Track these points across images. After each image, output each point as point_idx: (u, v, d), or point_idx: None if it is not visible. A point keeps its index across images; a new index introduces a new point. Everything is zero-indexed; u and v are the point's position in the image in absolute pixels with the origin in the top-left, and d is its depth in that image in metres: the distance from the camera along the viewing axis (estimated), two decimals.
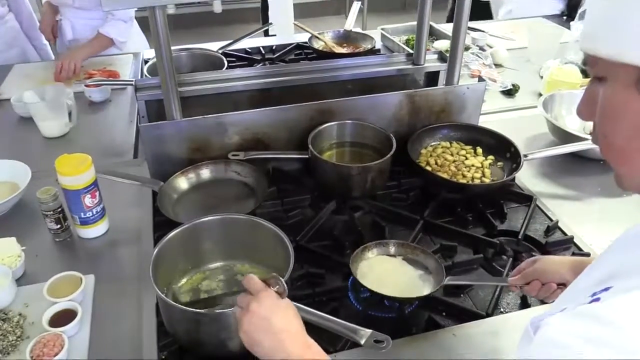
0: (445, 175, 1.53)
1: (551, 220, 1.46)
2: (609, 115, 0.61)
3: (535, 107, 1.89)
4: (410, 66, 1.84)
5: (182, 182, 1.50)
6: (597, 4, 0.60)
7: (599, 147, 0.66)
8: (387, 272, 1.22)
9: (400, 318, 1.16)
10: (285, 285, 0.87)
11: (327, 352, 0.86)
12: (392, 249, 1.28)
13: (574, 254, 1.34)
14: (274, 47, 2.52)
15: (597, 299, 0.56)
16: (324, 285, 1.25)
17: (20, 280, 1.25)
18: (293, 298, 1.02)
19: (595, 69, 0.62)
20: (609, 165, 0.66)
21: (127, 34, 2.45)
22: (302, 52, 2.50)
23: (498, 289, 1.22)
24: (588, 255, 1.32)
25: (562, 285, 1.03)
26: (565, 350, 0.52)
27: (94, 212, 1.36)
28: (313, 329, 0.89)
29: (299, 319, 0.87)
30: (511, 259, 1.33)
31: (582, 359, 0.50)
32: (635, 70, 0.56)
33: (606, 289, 0.57)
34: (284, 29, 2.92)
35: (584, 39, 0.62)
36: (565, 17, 3.01)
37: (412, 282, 1.20)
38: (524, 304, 1.21)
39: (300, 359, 0.80)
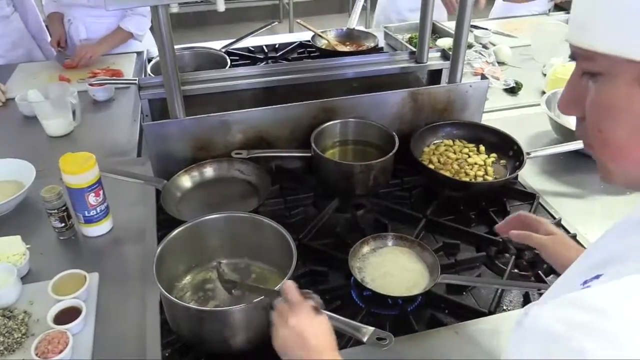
0: (447, 174, 1.53)
1: (554, 217, 1.46)
2: (608, 112, 0.57)
3: (539, 105, 1.89)
4: (413, 64, 1.84)
5: (186, 181, 1.51)
6: None
7: (588, 142, 0.62)
8: (385, 267, 1.23)
9: (402, 316, 1.16)
10: (321, 301, 0.90)
11: (318, 313, 0.90)
12: (390, 243, 1.29)
13: None
14: (277, 46, 2.52)
15: (588, 287, 0.55)
16: (326, 283, 1.26)
17: (25, 278, 1.26)
18: None
19: (589, 64, 0.57)
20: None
21: (145, 28, 2.48)
22: (305, 50, 2.51)
23: (500, 287, 1.22)
24: None
25: None
26: (552, 337, 0.50)
27: (98, 211, 1.37)
28: None
29: (332, 335, 0.88)
30: (514, 257, 1.32)
31: (570, 346, 0.48)
32: (635, 66, 0.52)
33: (597, 277, 0.56)
34: None
35: (575, 30, 0.57)
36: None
37: (410, 278, 1.20)
38: (527, 302, 1.21)
39: None
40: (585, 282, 0.56)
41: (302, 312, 0.87)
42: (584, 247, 1.19)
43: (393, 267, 1.23)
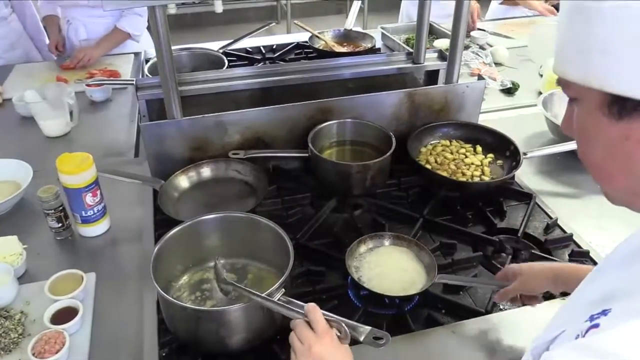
0: (444, 174, 1.54)
1: (550, 217, 1.46)
2: (584, 136, 0.62)
3: (535, 105, 1.90)
4: (410, 65, 1.85)
5: (183, 181, 1.51)
6: (563, 27, 0.60)
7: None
8: (382, 267, 1.23)
9: (399, 315, 1.17)
10: (348, 332, 0.87)
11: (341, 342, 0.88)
12: (387, 242, 1.29)
13: (573, 251, 1.34)
14: (274, 47, 2.53)
15: (597, 325, 0.55)
16: (323, 283, 1.26)
17: (21, 279, 1.26)
18: (293, 296, 1.03)
19: (566, 90, 0.62)
20: None
21: (143, 27, 2.48)
22: (303, 51, 2.51)
23: (497, 287, 1.22)
24: (587, 252, 1.33)
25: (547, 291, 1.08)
26: None
27: (95, 211, 1.37)
28: None
29: None
30: (510, 256, 1.33)
31: None
32: (599, 94, 0.56)
33: (604, 312, 0.56)
34: None
35: (555, 58, 0.63)
36: None
37: (407, 278, 1.21)
38: (523, 302, 1.21)
39: None
40: (592, 317, 0.57)
41: (326, 341, 0.86)
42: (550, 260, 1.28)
43: (390, 267, 1.23)
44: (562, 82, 0.62)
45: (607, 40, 0.54)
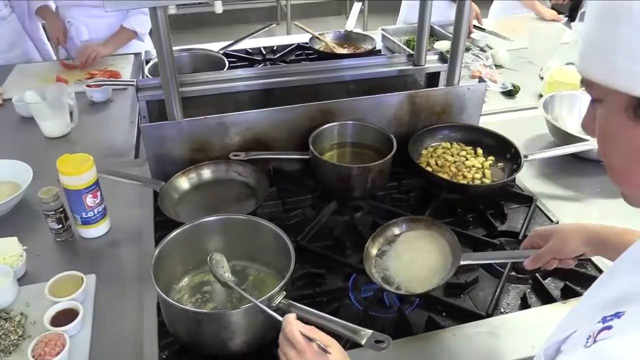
0: (445, 176, 1.54)
1: (551, 220, 1.46)
2: (605, 138, 0.62)
3: (536, 107, 1.90)
4: (410, 67, 1.84)
5: (183, 182, 1.50)
6: (589, 28, 0.60)
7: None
8: (406, 260, 1.22)
9: (400, 318, 1.16)
10: (323, 345, 0.85)
11: (326, 352, 0.85)
12: (403, 229, 1.29)
13: None
14: (274, 48, 2.53)
15: (609, 327, 0.55)
16: (324, 286, 1.26)
17: (21, 280, 1.26)
18: (293, 299, 1.03)
19: (590, 90, 0.62)
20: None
21: (148, 26, 2.47)
22: (303, 52, 2.51)
23: (498, 290, 1.22)
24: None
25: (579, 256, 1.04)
26: None
27: (95, 212, 1.37)
28: None
29: None
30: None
31: None
32: (625, 97, 0.56)
33: (617, 315, 0.56)
34: None
35: (579, 61, 0.62)
36: (566, 18, 3.01)
37: (433, 264, 1.20)
38: (524, 305, 1.21)
39: None
40: (605, 318, 0.56)
41: (308, 356, 0.84)
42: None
43: (415, 258, 1.22)
44: (586, 82, 0.61)
45: (635, 43, 0.53)
